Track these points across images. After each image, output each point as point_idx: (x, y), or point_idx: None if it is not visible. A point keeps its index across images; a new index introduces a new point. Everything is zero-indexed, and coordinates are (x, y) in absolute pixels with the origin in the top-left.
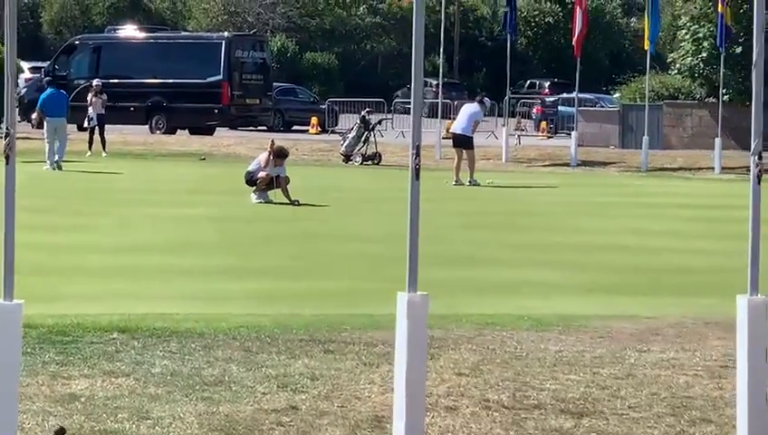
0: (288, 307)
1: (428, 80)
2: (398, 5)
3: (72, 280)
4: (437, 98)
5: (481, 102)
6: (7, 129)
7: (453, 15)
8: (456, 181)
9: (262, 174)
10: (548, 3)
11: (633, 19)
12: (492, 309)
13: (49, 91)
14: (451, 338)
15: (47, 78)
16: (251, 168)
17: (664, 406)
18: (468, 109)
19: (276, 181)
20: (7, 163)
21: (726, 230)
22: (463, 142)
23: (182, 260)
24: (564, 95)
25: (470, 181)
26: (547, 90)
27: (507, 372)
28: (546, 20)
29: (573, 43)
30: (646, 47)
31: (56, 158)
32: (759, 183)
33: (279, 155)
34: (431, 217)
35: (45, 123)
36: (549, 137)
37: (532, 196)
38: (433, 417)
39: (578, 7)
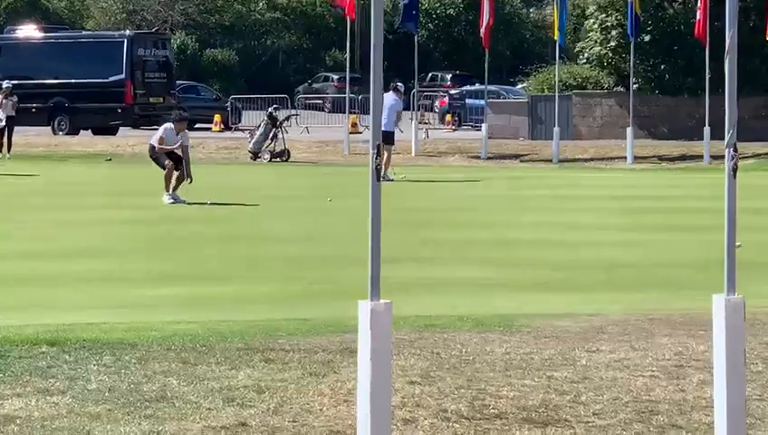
0: (218, 313)
1: (330, 74)
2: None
3: None
4: (341, 93)
5: (396, 90)
6: None
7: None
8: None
9: (165, 147)
10: None
11: (532, 9)
12: (426, 310)
13: None
14: (392, 342)
15: None
16: (152, 141)
17: (629, 411)
18: (386, 101)
19: (182, 153)
20: None
21: (649, 221)
22: (385, 138)
23: (99, 266)
24: (468, 87)
25: (383, 177)
26: (449, 82)
27: (459, 378)
28: (447, 12)
29: (481, 34)
30: (555, 37)
31: None
32: (735, 177)
33: (180, 119)
34: (347, 214)
35: None
36: (454, 129)
37: (449, 191)
38: (392, 431)
39: None
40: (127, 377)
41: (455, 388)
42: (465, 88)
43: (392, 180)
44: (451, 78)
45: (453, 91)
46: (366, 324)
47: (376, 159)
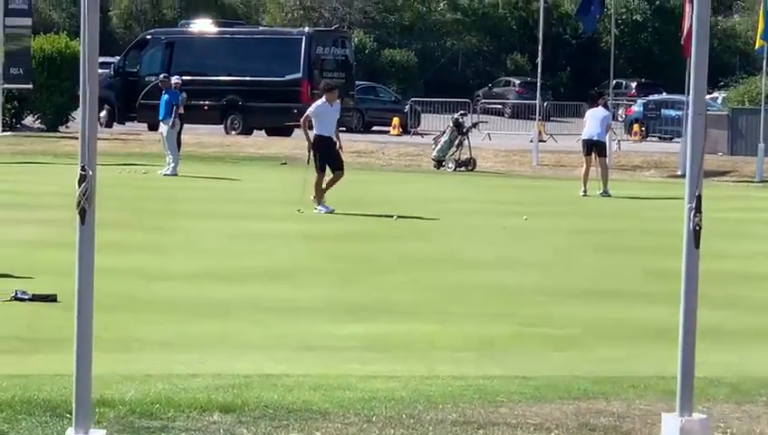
0: (420, 363)
1: (511, 79)
2: None
3: (144, 318)
4: (522, 98)
5: (605, 106)
6: (83, 167)
7: (536, 12)
8: (584, 192)
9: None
10: (635, 0)
11: (720, 17)
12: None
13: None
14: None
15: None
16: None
17: None
18: (598, 113)
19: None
20: (83, 222)
21: None
22: (599, 149)
23: (276, 291)
24: (655, 96)
25: (603, 192)
26: (634, 90)
27: None
28: (634, 18)
29: (682, 41)
30: (757, 46)
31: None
32: None
33: (330, 88)
34: (547, 235)
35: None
36: (640, 140)
37: (655, 210)
38: None
39: (687, 2)
40: None
41: None
42: (652, 97)
43: (610, 196)
44: (636, 86)
45: (642, 100)
46: None
47: (695, 216)
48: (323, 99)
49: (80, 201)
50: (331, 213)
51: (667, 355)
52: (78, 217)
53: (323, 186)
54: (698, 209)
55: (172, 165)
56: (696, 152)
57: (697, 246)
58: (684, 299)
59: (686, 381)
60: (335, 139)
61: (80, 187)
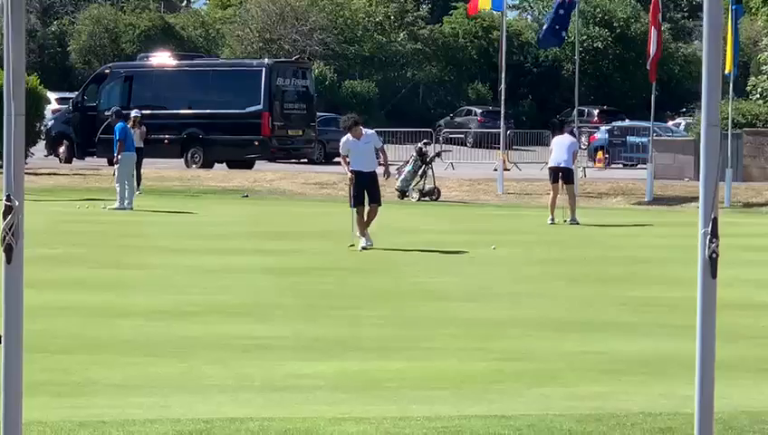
0: (390, 402)
1: (472, 108)
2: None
3: (102, 359)
4: (484, 127)
5: (571, 133)
6: (9, 197)
7: (496, 41)
8: (552, 220)
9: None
10: (596, 27)
11: (681, 44)
12: (660, 402)
13: (123, 124)
14: None
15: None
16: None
17: None
18: (565, 141)
19: (381, 156)
20: (8, 261)
21: None
22: (566, 176)
23: (240, 328)
24: (619, 123)
25: (571, 220)
26: (596, 118)
27: None
28: (594, 45)
29: (648, 66)
30: (727, 70)
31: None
32: None
33: (352, 125)
34: (521, 265)
35: (122, 158)
36: (604, 167)
37: (625, 238)
38: None
39: (653, 27)
40: None
41: None
42: (617, 124)
43: (579, 224)
44: (598, 113)
45: (606, 127)
46: None
47: (711, 241)
48: (348, 136)
49: (5, 237)
50: (370, 247)
51: (653, 390)
52: (3, 255)
53: (364, 219)
54: (715, 234)
55: (118, 199)
56: (711, 170)
57: (714, 276)
58: (700, 335)
59: (705, 420)
60: (369, 171)
61: (5, 220)
